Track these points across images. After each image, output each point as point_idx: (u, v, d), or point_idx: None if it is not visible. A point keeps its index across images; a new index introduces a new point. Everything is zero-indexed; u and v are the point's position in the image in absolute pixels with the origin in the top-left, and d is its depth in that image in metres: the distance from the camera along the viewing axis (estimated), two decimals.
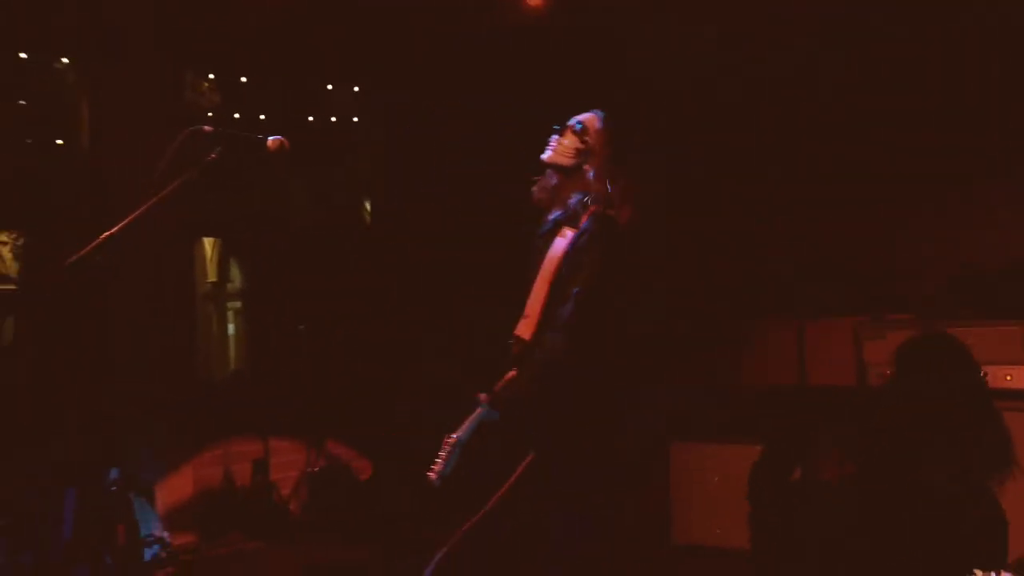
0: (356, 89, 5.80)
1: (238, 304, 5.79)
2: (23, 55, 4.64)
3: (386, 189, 5.95)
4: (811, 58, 5.16)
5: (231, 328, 5.78)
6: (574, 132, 3.29)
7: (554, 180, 3.29)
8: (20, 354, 4.60)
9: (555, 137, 3.32)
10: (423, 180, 5.71)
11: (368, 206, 6.06)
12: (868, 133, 5.09)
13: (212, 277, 5.70)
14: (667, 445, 4.96)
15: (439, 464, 3.04)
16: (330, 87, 5.71)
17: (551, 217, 3.32)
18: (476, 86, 5.54)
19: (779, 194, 5.25)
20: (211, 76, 5.30)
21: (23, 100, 4.67)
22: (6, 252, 4.71)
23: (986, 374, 4.34)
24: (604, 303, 3.14)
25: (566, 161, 3.26)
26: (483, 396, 3.18)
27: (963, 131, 4.84)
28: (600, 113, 3.34)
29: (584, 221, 3.21)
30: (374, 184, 5.98)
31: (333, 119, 5.74)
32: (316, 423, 5.10)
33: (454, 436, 3.09)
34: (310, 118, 5.67)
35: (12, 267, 4.71)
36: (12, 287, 4.68)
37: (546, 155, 3.30)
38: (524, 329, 3.20)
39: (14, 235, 4.72)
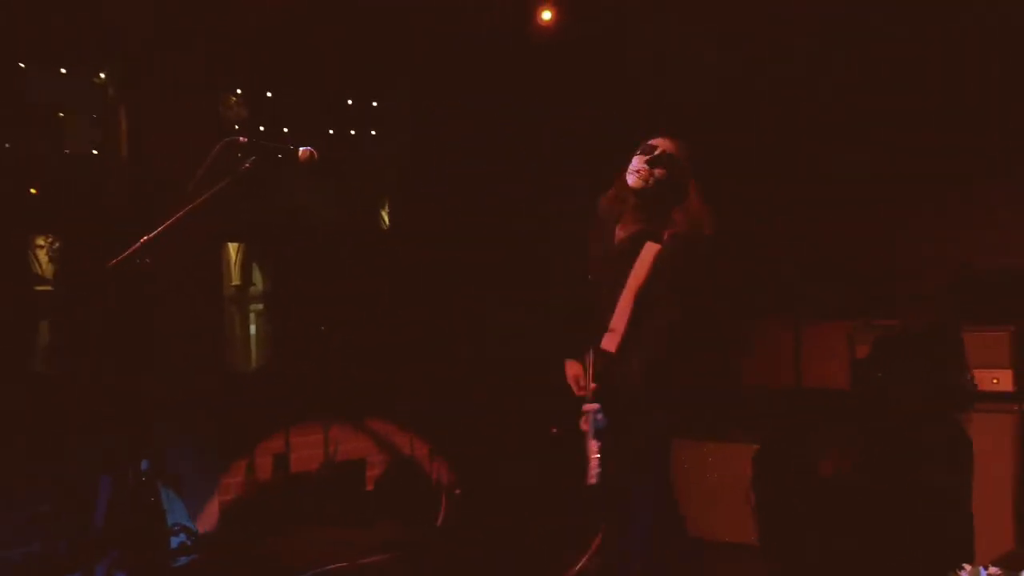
0: (375, 104, 6.04)
1: (260, 306, 6.02)
2: (63, 70, 4.90)
3: (404, 196, 6.16)
4: (811, 58, 5.23)
5: (253, 329, 6.01)
6: (657, 159, 3.43)
7: (632, 199, 3.46)
8: (59, 352, 4.84)
9: (637, 158, 3.44)
10: (440, 186, 5.90)
11: (386, 213, 6.28)
12: (868, 133, 5.16)
13: (236, 280, 5.93)
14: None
15: (593, 468, 3.32)
16: (350, 102, 5.95)
17: (627, 233, 3.48)
18: (491, 93, 5.67)
19: (779, 194, 5.32)
20: (239, 91, 5.54)
21: (62, 112, 4.93)
22: (43, 255, 4.97)
23: (973, 376, 4.61)
24: (688, 332, 3.43)
25: (650, 187, 3.43)
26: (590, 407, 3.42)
27: (962, 131, 4.92)
28: (677, 137, 3.52)
29: (667, 237, 3.39)
30: (392, 191, 6.21)
31: (352, 132, 5.98)
32: (334, 420, 5.30)
33: (594, 441, 3.35)
34: (331, 131, 5.90)
35: (48, 270, 4.96)
36: (48, 288, 4.93)
37: (631, 181, 3.43)
38: (610, 343, 3.39)
39: (50, 239, 4.97)
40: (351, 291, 5.63)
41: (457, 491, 4.89)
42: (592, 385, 3.42)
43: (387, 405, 5.47)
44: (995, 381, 4.61)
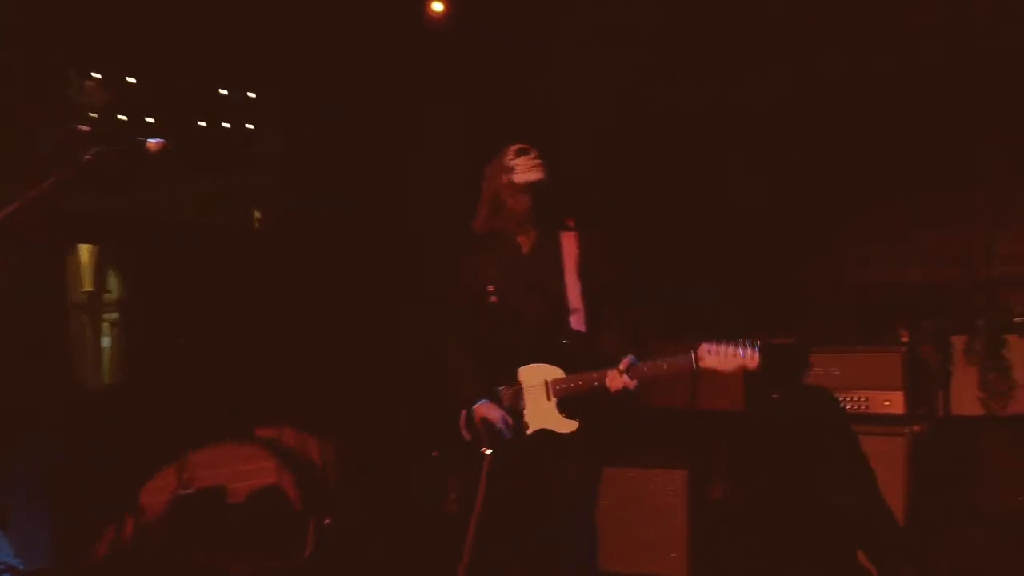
0: (251, 95, 5.63)
1: (115, 315, 5.51)
2: None
3: (280, 197, 5.79)
4: (711, 84, 5.25)
5: (106, 341, 5.50)
6: (541, 156, 3.36)
7: (527, 201, 3.31)
8: None
9: (525, 157, 3.35)
10: (317, 183, 5.58)
11: (258, 214, 5.87)
12: (762, 160, 5.21)
13: (88, 286, 5.41)
14: None
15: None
16: (224, 92, 5.53)
17: (532, 237, 3.37)
18: (374, 94, 5.45)
19: (679, 216, 5.30)
20: (96, 75, 5.06)
21: None
22: None
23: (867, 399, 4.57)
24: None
25: (549, 179, 3.33)
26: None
27: (856, 152, 4.99)
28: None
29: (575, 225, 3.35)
30: (266, 192, 5.81)
31: (226, 125, 5.55)
32: (189, 444, 4.88)
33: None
34: (201, 123, 5.47)
35: None
36: None
37: (533, 176, 3.32)
38: (578, 323, 3.27)
39: None
40: (218, 298, 5.19)
41: (327, 520, 4.52)
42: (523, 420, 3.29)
43: (251, 427, 5.05)
44: (887, 403, 4.53)
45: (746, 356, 3.03)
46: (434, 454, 4.19)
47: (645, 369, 3.13)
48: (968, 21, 4.77)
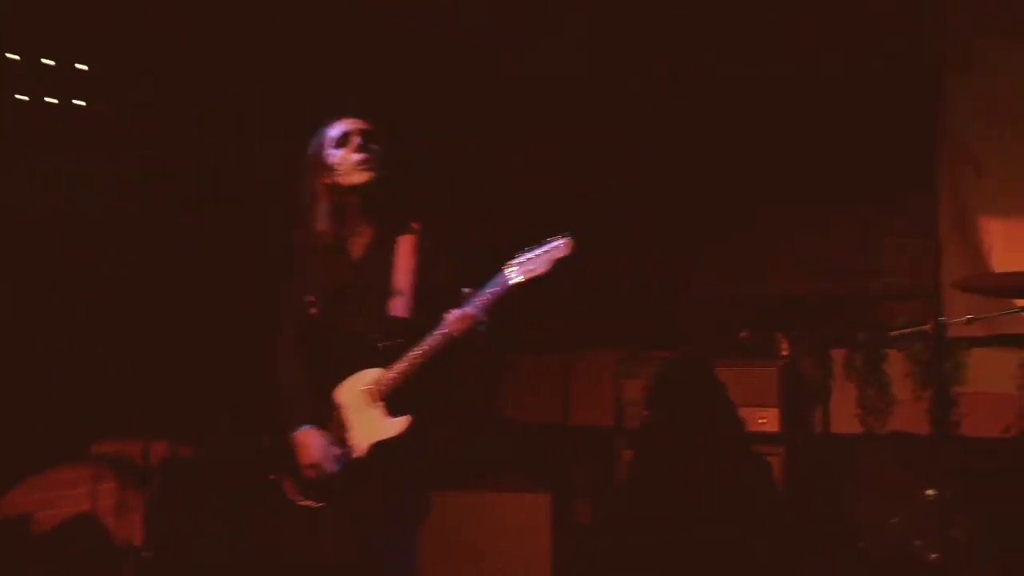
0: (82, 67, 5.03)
1: None
2: None
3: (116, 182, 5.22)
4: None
5: None
6: (370, 135, 2.95)
7: (354, 200, 2.92)
8: None
9: (344, 150, 2.92)
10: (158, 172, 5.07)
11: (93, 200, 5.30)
12: (648, 164, 4.96)
13: None
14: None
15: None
16: (51, 63, 4.93)
17: (365, 240, 2.96)
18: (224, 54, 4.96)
19: (559, 224, 5.00)
20: None
21: None
22: None
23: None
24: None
25: (379, 175, 2.93)
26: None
27: (738, 161, 4.80)
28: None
29: (418, 226, 2.98)
30: (99, 175, 5.24)
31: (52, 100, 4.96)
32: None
33: None
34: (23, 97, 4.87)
35: None
36: None
37: (358, 178, 2.91)
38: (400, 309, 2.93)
39: None
40: (41, 294, 4.65)
41: (146, 553, 4.05)
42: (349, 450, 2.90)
43: (71, 445, 4.53)
44: (762, 421, 4.31)
45: (556, 247, 2.88)
46: (271, 477, 3.77)
47: (478, 299, 2.84)
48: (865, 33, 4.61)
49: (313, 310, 2.95)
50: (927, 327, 3.60)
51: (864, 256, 4.75)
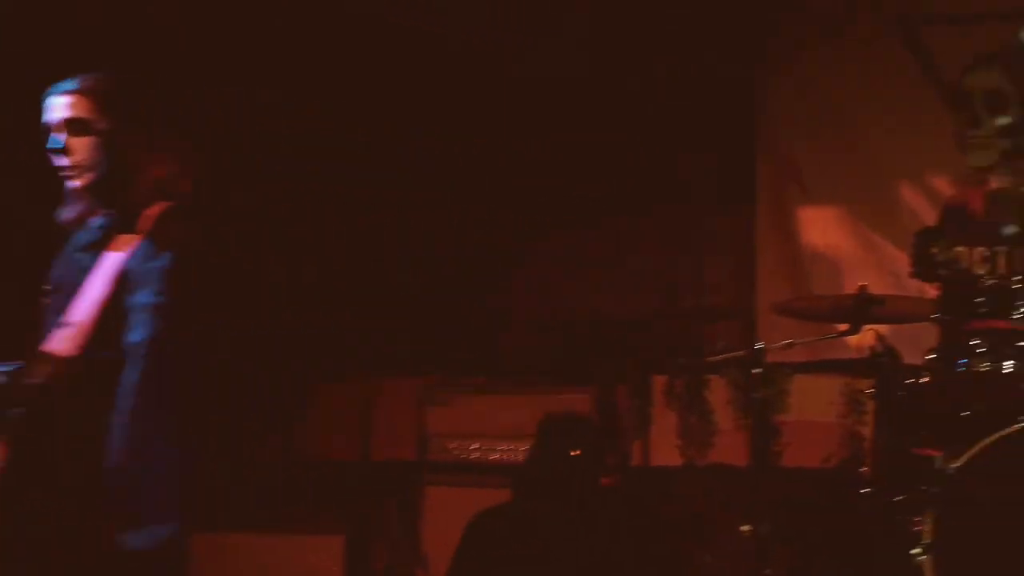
0: None
1: None
2: None
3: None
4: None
5: None
6: (76, 126, 2.42)
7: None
8: None
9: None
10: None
11: None
12: (449, 180, 4.63)
13: None
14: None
15: None
16: None
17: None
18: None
19: (350, 241, 4.64)
20: None
21: None
22: None
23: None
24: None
25: (96, 175, 2.43)
26: None
27: (548, 172, 4.54)
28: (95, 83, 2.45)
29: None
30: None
31: None
32: None
33: None
34: None
35: None
36: None
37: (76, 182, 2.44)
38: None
39: None
40: None
41: None
42: None
43: None
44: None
45: None
46: None
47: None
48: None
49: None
50: (743, 352, 3.40)
51: (687, 272, 4.52)
